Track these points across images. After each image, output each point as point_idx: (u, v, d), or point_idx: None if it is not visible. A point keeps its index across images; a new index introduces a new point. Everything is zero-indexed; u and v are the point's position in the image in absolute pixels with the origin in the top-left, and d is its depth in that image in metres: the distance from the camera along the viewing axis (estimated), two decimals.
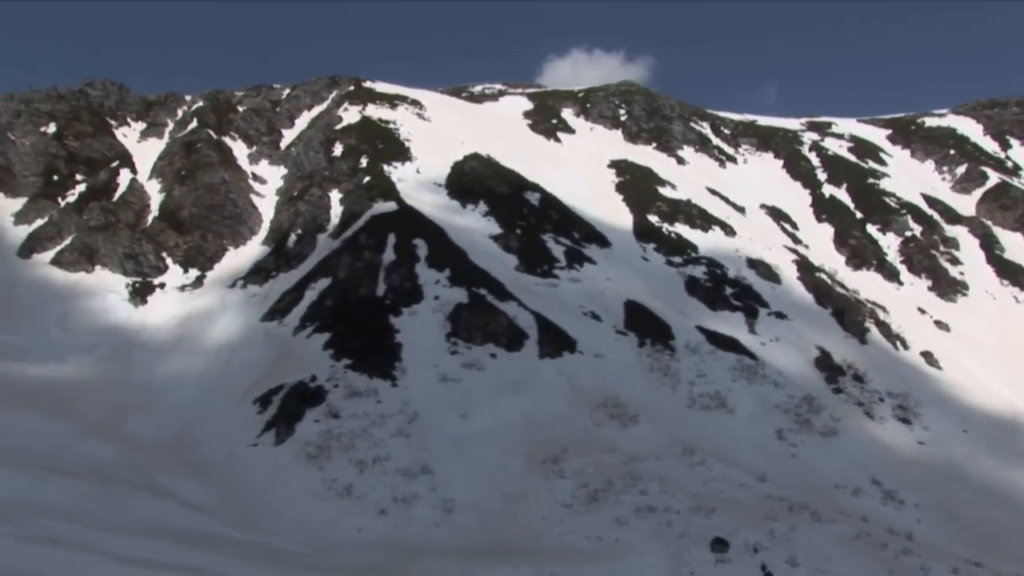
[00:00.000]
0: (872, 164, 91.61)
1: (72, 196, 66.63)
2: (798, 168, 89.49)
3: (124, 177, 69.22)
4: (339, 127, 76.21)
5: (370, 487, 34.57)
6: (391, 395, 41.26)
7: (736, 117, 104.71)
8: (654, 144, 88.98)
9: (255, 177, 72.49)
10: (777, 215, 78.50)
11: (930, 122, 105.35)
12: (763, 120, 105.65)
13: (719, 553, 28.42)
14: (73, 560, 19.33)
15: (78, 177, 69.29)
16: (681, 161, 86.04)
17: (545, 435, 38.70)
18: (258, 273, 57.95)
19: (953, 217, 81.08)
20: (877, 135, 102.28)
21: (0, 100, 74.98)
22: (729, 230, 68.93)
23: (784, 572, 27.52)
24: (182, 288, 57.80)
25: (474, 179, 67.73)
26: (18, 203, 64.92)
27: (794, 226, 77.20)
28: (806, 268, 65.29)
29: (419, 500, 33.87)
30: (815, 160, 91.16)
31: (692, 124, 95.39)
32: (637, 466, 35.50)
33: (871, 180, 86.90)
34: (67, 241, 60.42)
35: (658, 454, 37.19)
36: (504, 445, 37.92)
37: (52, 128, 73.88)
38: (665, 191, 74.15)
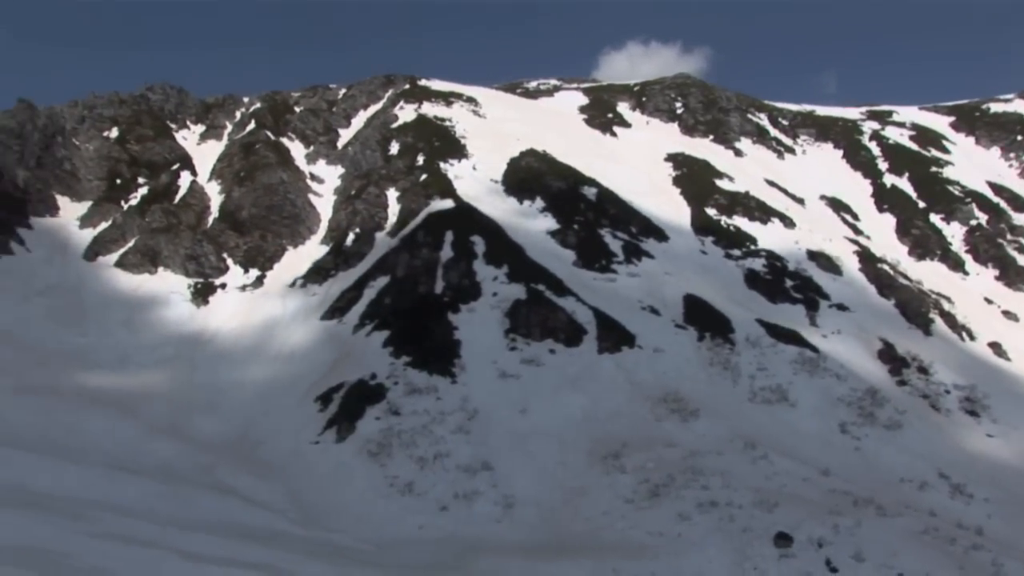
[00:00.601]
0: (935, 152, 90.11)
1: (134, 199, 67.65)
2: (858, 158, 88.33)
3: (184, 179, 70.18)
4: (395, 125, 76.57)
5: (431, 484, 34.74)
6: (451, 392, 41.41)
7: (794, 108, 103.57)
8: (711, 136, 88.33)
9: (313, 177, 73.11)
10: (837, 206, 77.56)
11: (995, 108, 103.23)
12: (821, 110, 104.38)
13: (783, 548, 28.13)
14: (142, 556, 19.66)
15: (140, 180, 70.36)
16: (739, 153, 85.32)
17: (605, 430, 38.59)
18: (317, 272, 58.44)
19: (1021, 205, 79.59)
20: (940, 122, 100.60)
21: (65, 107, 76.30)
22: (788, 222, 68.21)
23: (850, 567, 27.14)
24: (243, 288, 58.49)
25: (530, 175, 67.69)
26: (83, 207, 66.06)
27: (855, 217, 76.23)
28: (868, 259, 64.40)
29: (480, 496, 33.97)
30: (876, 149, 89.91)
31: (749, 116, 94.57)
32: (698, 461, 35.27)
33: (934, 168, 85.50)
34: (130, 243, 61.37)
35: (719, 448, 36.92)
36: (564, 441, 37.89)
37: (115, 133, 75.12)
38: (723, 184, 73.58)
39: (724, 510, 31.00)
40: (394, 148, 72.49)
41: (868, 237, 71.91)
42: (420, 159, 68.93)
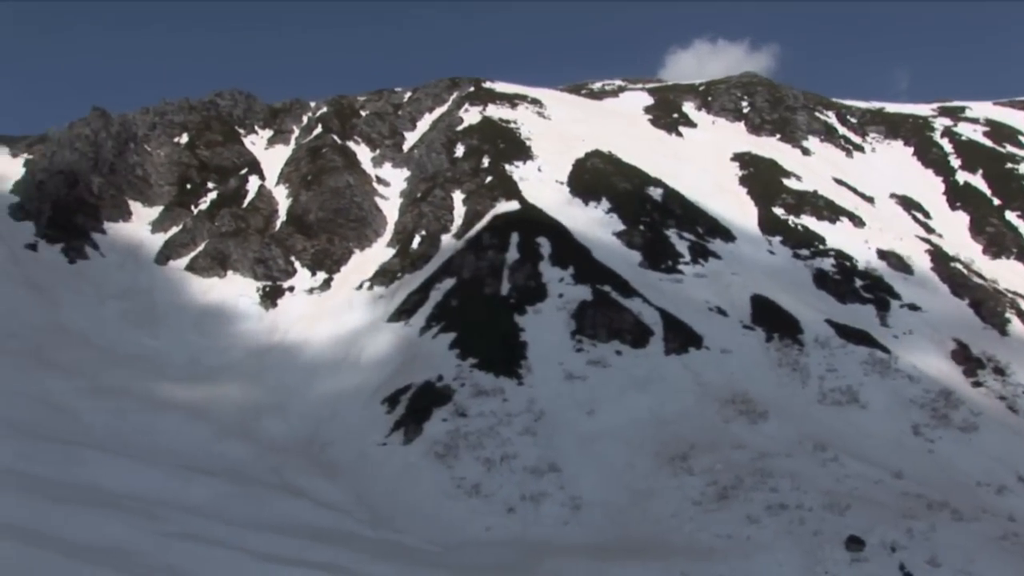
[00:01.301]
0: (1011, 148, 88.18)
1: (204, 203, 68.74)
2: (929, 155, 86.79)
3: (253, 183, 71.16)
4: (460, 128, 76.84)
5: (498, 485, 34.78)
6: (517, 393, 41.43)
7: (863, 105, 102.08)
8: (778, 135, 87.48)
9: (379, 180, 73.64)
10: (908, 204, 76.32)
11: None
12: (891, 107, 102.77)
13: (855, 552, 27.71)
14: (213, 556, 19.93)
15: (209, 185, 71.50)
16: (806, 152, 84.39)
17: (672, 432, 38.33)
18: (384, 275, 58.82)
19: None
20: (1016, 118, 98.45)
21: (137, 114, 77.71)
22: (858, 221, 67.28)
23: (925, 573, 26.63)
24: (310, 291, 59.11)
25: (596, 176, 67.53)
26: (154, 212, 67.27)
27: (926, 215, 74.96)
28: (940, 258, 63.30)
29: (547, 498, 33.93)
30: (948, 146, 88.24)
31: (817, 114, 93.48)
32: (767, 463, 34.87)
33: (1009, 165, 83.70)
34: (200, 247, 62.35)
35: (788, 451, 36.47)
36: (631, 442, 37.69)
37: (185, 138, 76.38)
38: (790, 183, 72.80)
39: (794, 513, 30.62)
40: (459, 150, 72.77)
41: (940, 236, 70.64)
42: (485, 161, 69.10)
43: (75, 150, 66.54)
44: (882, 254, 61.71)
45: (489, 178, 65.81)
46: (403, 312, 52.14)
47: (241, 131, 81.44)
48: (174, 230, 64.72)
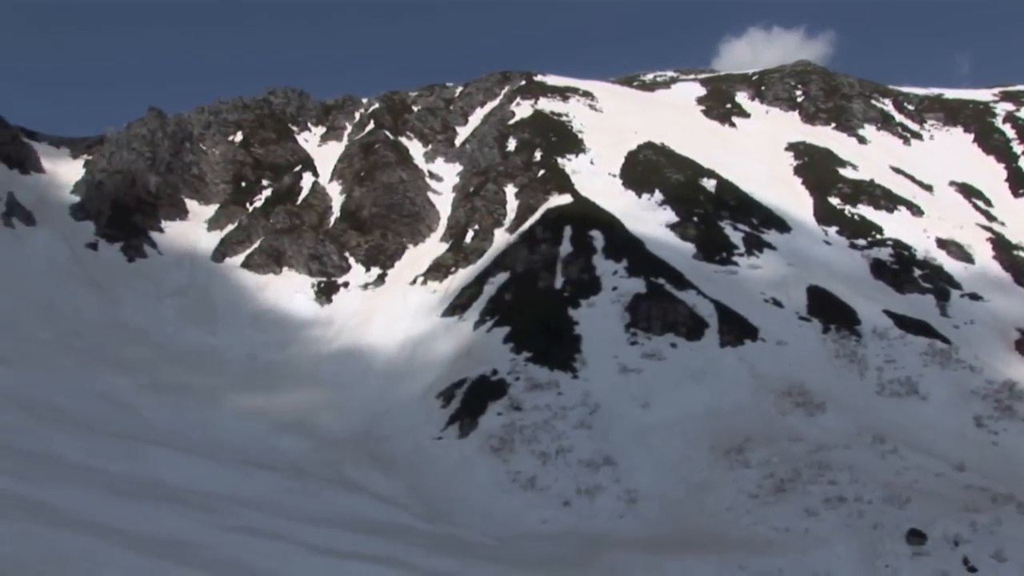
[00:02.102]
0: None
1: (259, 201, 69.45)
2: (991, 141, 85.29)
3: (307, 180, 71.77)
4: (512, 122, 76.86)
5: (553, 479, 34.78)
6: (572, 387, 41.38)
7: (920, 91, 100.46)
8: (833, 124, 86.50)
9: (431, 175, 73.90)
10: (968, 192, 75.06)
11: None
12: (950, 93, 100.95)
13: (916, 545, 27.31)
14: (271, 549, 20.12)
15: (264, 182, 72.25)
16: (862, 140, 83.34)
17: (728, 425, 38.06)
18: (437, 269, 59.02)
19: None
20: None
21: (192, 113, 78.68)
22: (916, 210, 66.35)
23: (990, 567, 26.14)
24: (365, 287, 59.51)
25: (648, 168, 67.24)
26: (210, 210, 68.11)
27: (987, 203, 73.66)
28: (1002, 246, 62.21)
29: (603, 491, 33.87)
30: (1010, 132, 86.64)
31: (873, 101, 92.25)
32: (825, 455, 34.50)
33: None
34: (256, 244, 63.01)
35: (847, 443, 36.03)
36: (687, 435, 37.50)
37: (239, 137, 77.26)
38: (846, 172, 71.95)
39: (853, 506, 30.27)
40: (511, 144, 72.79)
41: (1002, 224, 69.38)
42: (538, 155, 69.08)
43: (132, 150, 67.51)
44: (941, 243, 60.80)
45: (541, 172, 65.77)
46: (457, 307, 52.29)
47: (294, 128, 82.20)
48: (230, 228, 65.45)
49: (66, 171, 67.26)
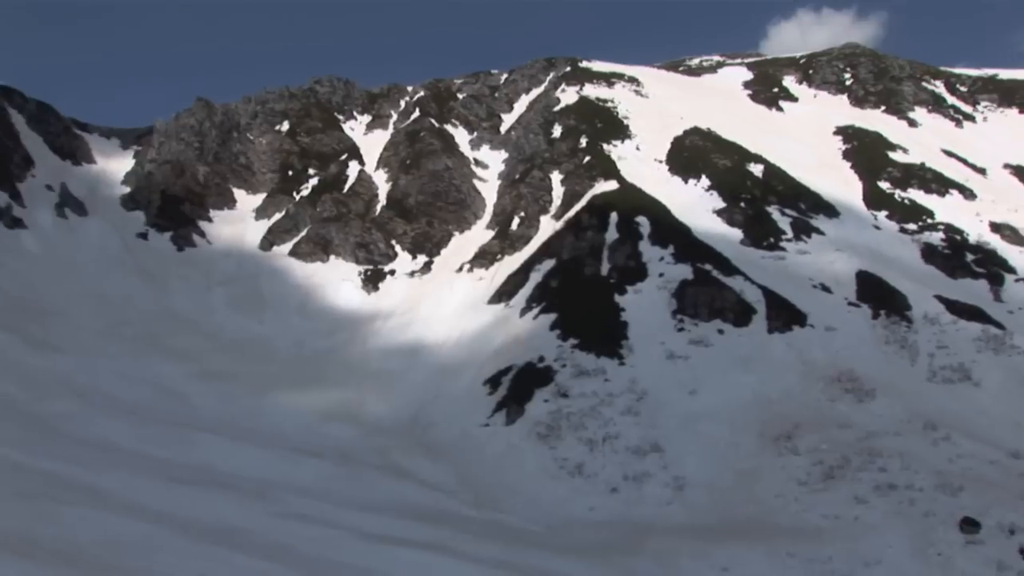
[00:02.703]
0: None
1: (306, 190, 69.89)
2: None
3: (353, 169, 72.08)
4: (557, 108, 76.67)
5: (601, 465, 34.73)
6: (619, 374, 41.28)
7: (974, 72, 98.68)
8: (883, 107, 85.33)
9: (477, 162, 73.95)
10: (1023, 175, 73.70)
11: None
12: (1005, 73, 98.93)
13: (969, 534, 26.94)
14: (321, 536, 20.28)
15: (310, 171, 72.69)
16: (913, 123, 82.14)
17: (776, 411, 37.78)
18: (483, 257, 59.07)
19: None
20: None
21: (239, 103, 79.33)
22: (968, 193, 65.33)
23: None
24: (411, 274, 59.72)
25: (695, 154, 66.80)
26: (258, 199, 68.69)
27: None
28: None
29: (650, 478, 33.77)
30: None
31: (924, 84, 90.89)
32: (875, 442, 34.14)
33: None
34: (303, 233, 63.43)
35: (897, 429, 35.61)
36: (734, 422, 37.27)
37: (285, 126, 77.84)
38: (896, 156, 71.02)
39: (904, 493, 29.95)
40: (557, 131, 72.62)
41: None
42: (583, 141, 68.86)
43: (181, 140, 68.23)
44: (995, 227, 59.78)
45: (587, 158, 65.57)
46: (503, 294, 52.30)
47: (340, 117, 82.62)
48: (277, 216, 65.94)
49: (117, 162, 68.19)
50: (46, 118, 66.27)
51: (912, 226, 59.79)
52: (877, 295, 48.60)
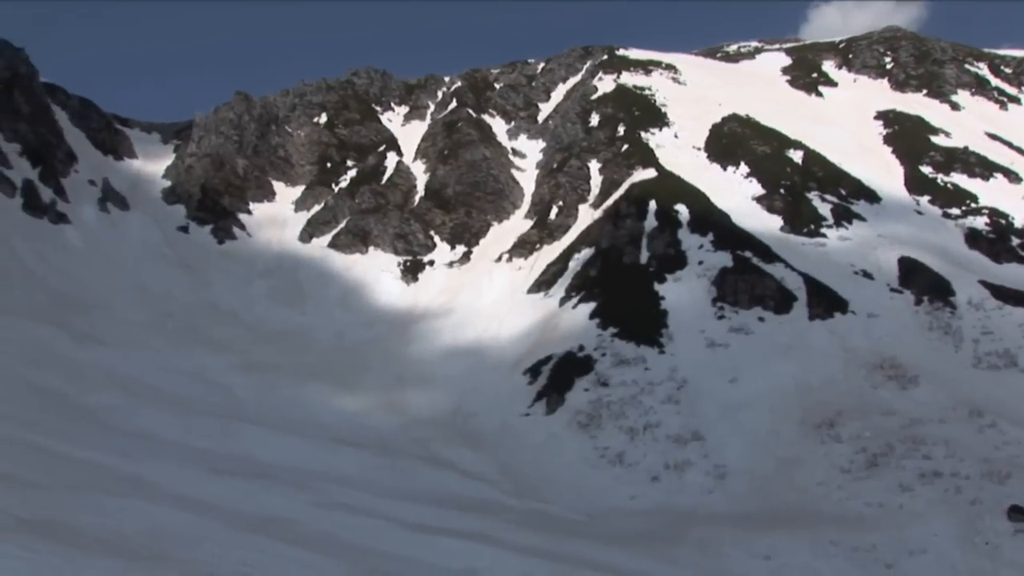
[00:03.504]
0: None
1: (344, 181, 70.13)
2: None
3: (391, 160, 72.25)
4: (595, 97, 76.43)
5: (641, 454, 34.68)
6: (659, 362, 41.17)
7: (1019, 54, 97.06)
8: (924, 91, 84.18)
9: (515, 152, 73.91)
10: None
11: None
12: None
13: (1018, 522, 26.59)
14: (364, 525, 20.39)
15: (349, 163, 72.92)
16: (955, 107, 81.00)
17: (818, 399, 37.50)
18: (522, 246, 59.07)
19: None
20: None
21: (278, 96, 79.72)
22: (1014, 177, 64.38)
23: None
24: (450, 265, 59.82)
25: (733, 140, 66.34)
26: (297, 191, 69.04)
27: None
28: None
29: (691, 466, 33.69)
30: None
31: (967, 66, 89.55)
32: (919, 429, 33.80)
33: None
34: (342, 224, 63.69)
35: (942, 416, 35.22)
36: (776, 410, 37.05)
37: (324, 118, 78.12)
38: (938, 140, 70.10)
39: (949, 481, 29.63)
40: (594, 120, 72.42)
41: None
42: (621, 129, 68.64)
43: (220, 134, 68.68)
44: None
45: (625, 146, 65.35)
46: (542, 283, 52.29)
47: (378, 108, 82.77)
48: (316, 208, 66.25)
49: (157, 156, 68.78)
50: (88, 114, 66.96)
51: (955, 211, 59.02)
52: (920, 281, 48.06)
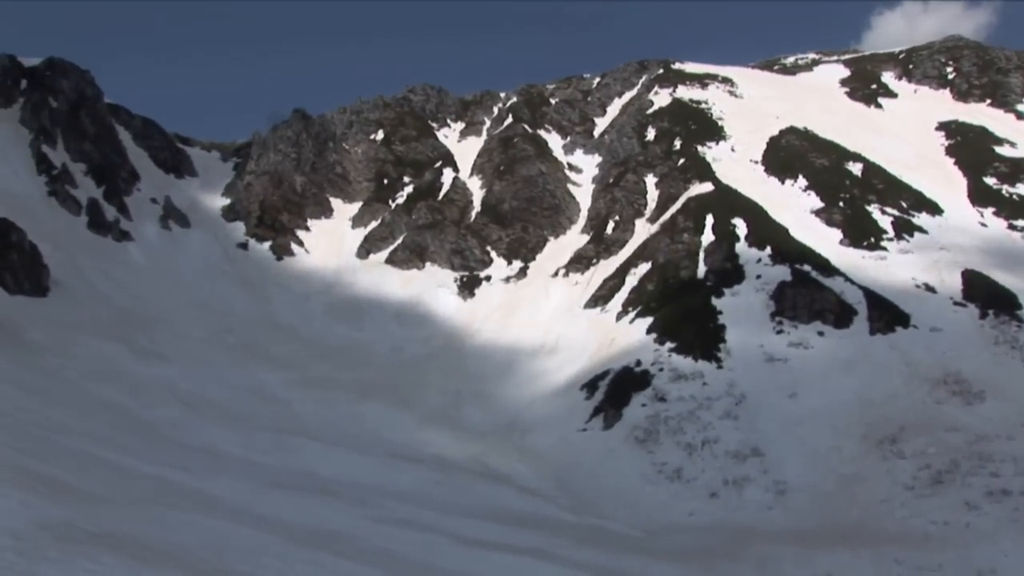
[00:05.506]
0: None
1: (401, 197, 70.58)
2: None
3: (447, 176, 72.59)
4: (650, 111, 76.16)
5: (700, 470, 34.37)
6: (717, 377, 40.81)
7: None
8: (988, 101, 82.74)
9: (570, 167, 73.88)
10: None
11: None
12: None
13: None
14: (423, 541, 20.37)
15: (405, 179, 73.37)
16: (1021, 116, 79.48)
17: (880, 414, 36.94)
18: (579, 261, 59.01)
19: None
20: None
21: (335, 113, 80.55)
22: None
23: None
24: (507, 280, 59.85)
25: (791, 154, 65.75)
26: (354, 207, 69.60)
27: None
28: None
29: (750, 482, 33.32)
30: None
31: None
32: (986, 446, 33.14)
33: None
34: (399, 240, 64.09)
35: (1009, 433, 34.50)
36: (836, 425, 36.55)
37: (380, 135, 78.71)
38: (1003, 150, 68.87)
39: (1018, 499, 29.03)
40: (650, 134, 72.16)
41: None
42: (677, 143, 68.35)
43: (279, 151, 69.51)
44: None
45: (681, 160, 65.05)
46: (599, 298, 52.16)
47: (434, 125, 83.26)
48: (373, 224, 66.72)
49: (217, 174, 69.78)
50: (150, 133, 68.20)
51: (1021, 222, 57.93)
52: (985, 294, 47.19)
